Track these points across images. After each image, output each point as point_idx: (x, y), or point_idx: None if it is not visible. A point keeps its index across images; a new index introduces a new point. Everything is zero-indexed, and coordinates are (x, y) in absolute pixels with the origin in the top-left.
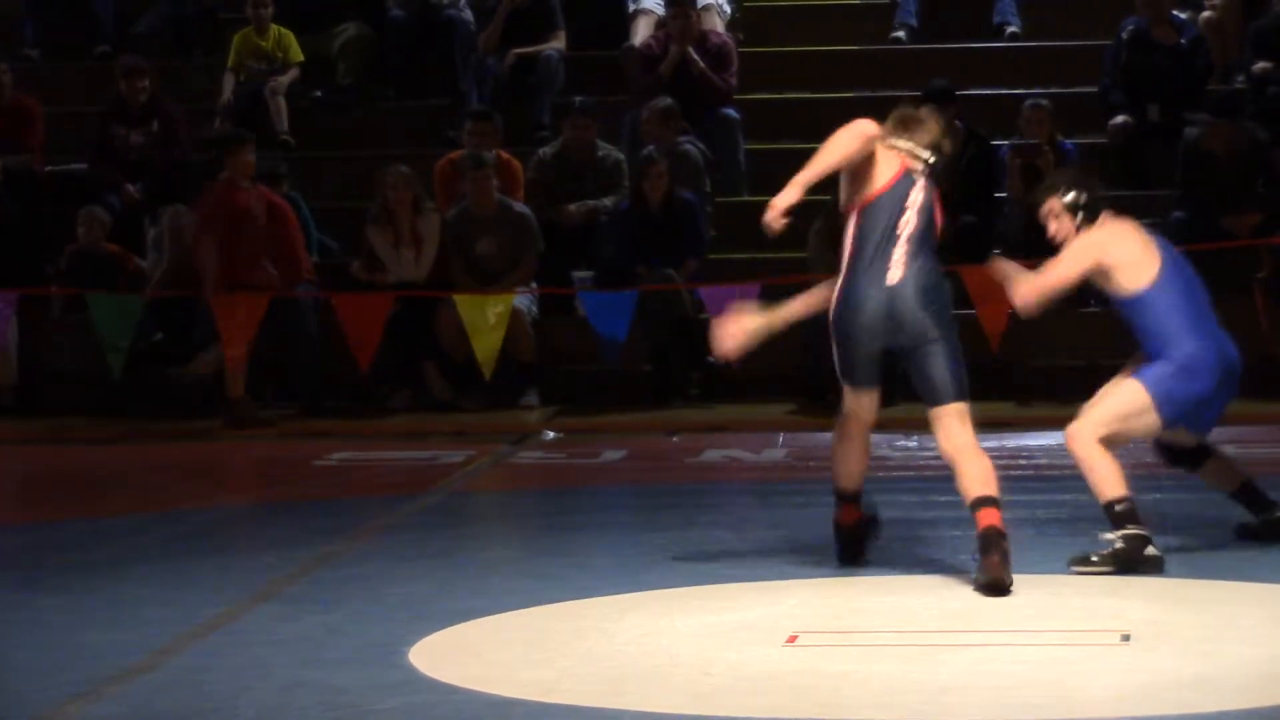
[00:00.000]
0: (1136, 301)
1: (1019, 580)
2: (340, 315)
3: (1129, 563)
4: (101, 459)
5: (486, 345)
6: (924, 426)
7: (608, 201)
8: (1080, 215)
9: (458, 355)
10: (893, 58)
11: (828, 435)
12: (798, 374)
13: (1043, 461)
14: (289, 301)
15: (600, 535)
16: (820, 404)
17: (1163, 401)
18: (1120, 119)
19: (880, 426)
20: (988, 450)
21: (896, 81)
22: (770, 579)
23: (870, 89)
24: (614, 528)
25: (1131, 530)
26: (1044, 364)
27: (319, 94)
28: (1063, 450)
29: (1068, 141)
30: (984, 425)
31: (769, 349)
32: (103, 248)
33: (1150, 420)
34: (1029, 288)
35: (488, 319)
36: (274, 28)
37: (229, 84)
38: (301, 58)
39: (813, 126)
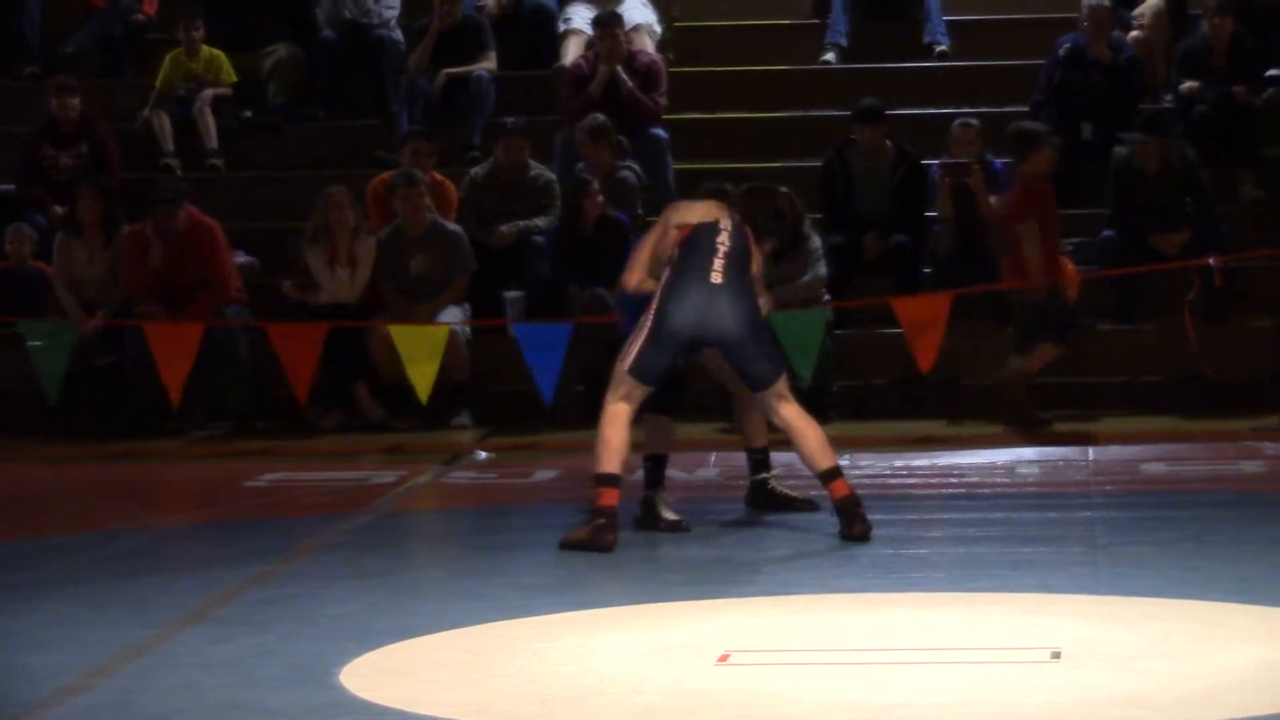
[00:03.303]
0: None
1: (950, 598)
2: (276, 344)
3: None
4: (32, 479)
5: (423, 374)
6: (855, 444)
7: (540, 221)
8: None
9: (390, 376)
10: (823, 78)
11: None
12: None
13: (973, 480)
14: (220, 325)
15: (533, 555)
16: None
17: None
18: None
19: None
20: (919, 469)
21: (827, 101)
22: (702, 598)
23: (801, 108)
24: (546, 548)
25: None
26: (975, 383)
27: (249, 114)
28: (993, 468)
29: (997, 160)
30: (915, 443)
31: (699, 368)
32: (30, 266)
33: None
34: None
35: (423, 349)
36: (205, 48)
37: (154, 103)
38: (234, 78)
39: (743, 146)
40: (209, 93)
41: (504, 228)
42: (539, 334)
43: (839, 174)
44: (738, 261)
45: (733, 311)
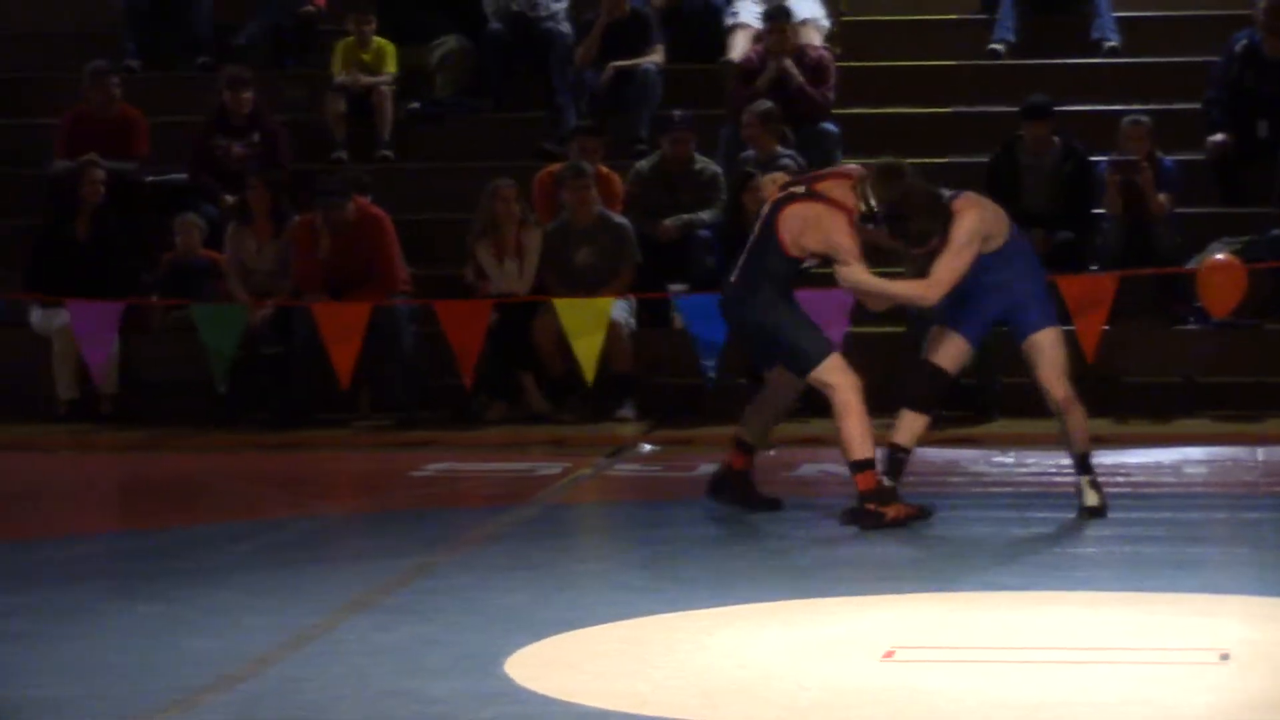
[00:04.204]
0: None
1: (1115, 598)
2: (444, 324)
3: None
4: (199, 468)
5: (587, 348)
6: (1021, 443)
7: (705, 215)
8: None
9: (555, 367)
10: (990, 73)
11: (931, 451)
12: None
13: (1139, 479)
14: (386, 311)
15: (694, 549)
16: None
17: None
18: (1220, 136)
19: (977, 442)
20: None
21: (994, 97)
22: (864, 594)
23: (968, 104)
24: (708, 541)
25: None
26: (1141, 380)
27: (416, 105)
28: (1159, 468)
29: (1167, 158)
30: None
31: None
32: (200, 255)
33: None
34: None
35: (587, 323)
36: (376, 40)
37: (337, 96)
38: (395, 70)
39: (911, 141)
40: (386, 83)
41: (669, 221)
42: (702, 306)
43: (1006, 170)
44: (753, 250)
45: (739, 310)
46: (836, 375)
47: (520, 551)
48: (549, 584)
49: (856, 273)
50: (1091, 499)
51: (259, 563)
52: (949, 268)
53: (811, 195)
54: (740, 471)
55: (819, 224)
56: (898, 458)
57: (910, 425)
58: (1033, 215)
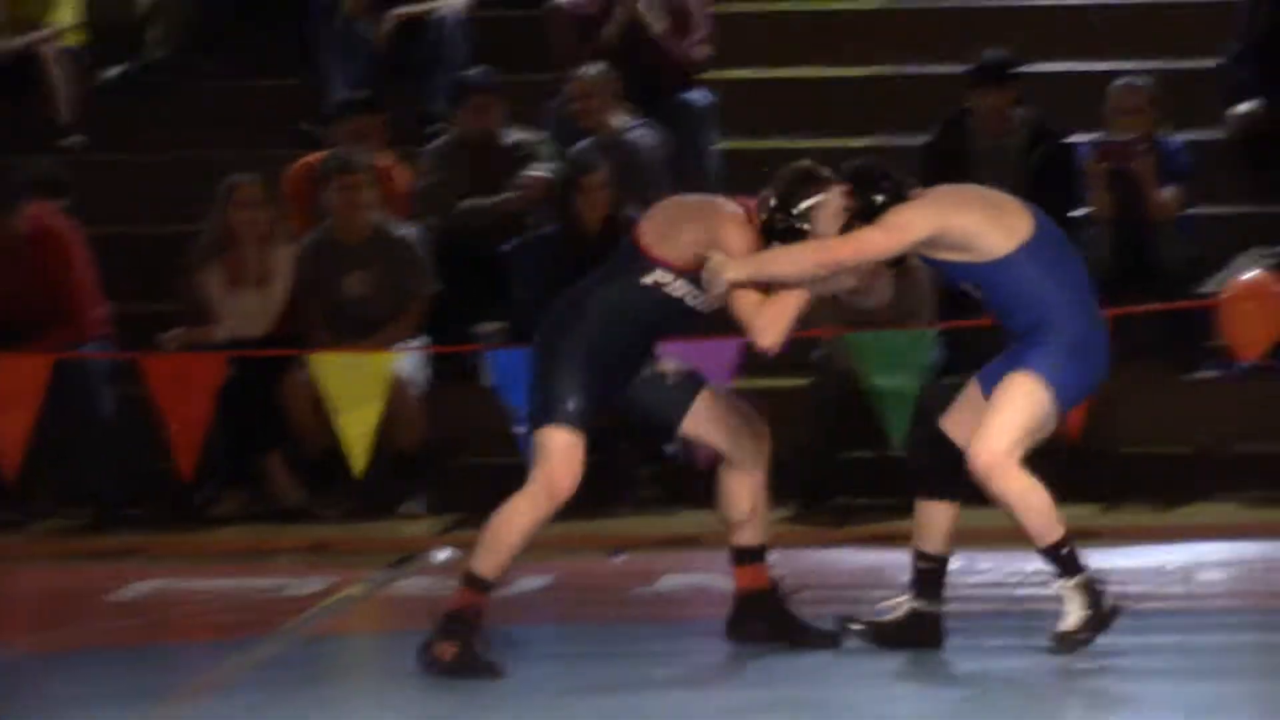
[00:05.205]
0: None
1: None
2: (154, 383)
3: (1104, 616)
4: None
5: (358, 422)
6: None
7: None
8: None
9: (313, 442)
10: (927, 19)
11: (833, 552)
12: (793, 466)
13: (1136, 589)
14: (74, 365)
15: (515, 701)
16: (823, 508)
17: (1060, 393)
18: (1246, 106)
19: (908, 539)
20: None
21: (929, 53)
22: None
23: (897, 64)
24: (534, 688)
25: (1088, 575)
26: (1140, 451)
27: (120, 69)
28: (1162, 573)
29: (1173, 138)
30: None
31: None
32: None
33: (1052, 423)
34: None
35: (359, 383)
36: None
37: None
38: (73, 19)
39: (817, 114)
40: (50, 40)
41: (466, 202)
42: (524, 364)
43: (950, 156)
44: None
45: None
46: (557, 455)
47: (262, 708)
48: None
49: (746, 263)
50: (1076, 616)
51: None
52: (869, 238)
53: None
54: (757, 592)
55: (701, 213)
56: (928, 570)
57: (933, 520)
58: None
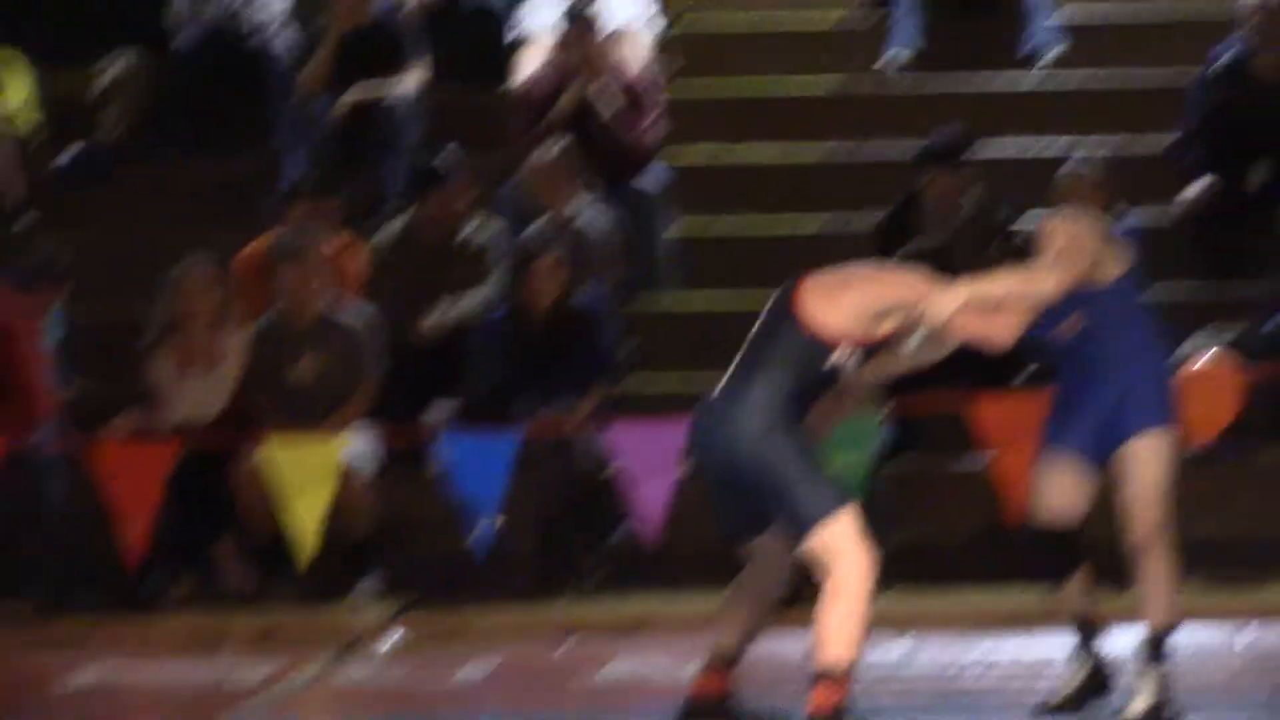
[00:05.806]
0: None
1: None
2: (102, 478)
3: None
4: None
5: (307, 509)
6: (914, 623)
7: (474, 300)
8: None
9: (262, 527)
10: (881, 101)
11: (786, 642)
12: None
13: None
14: (23, 451)
15: None
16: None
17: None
18: (1198, 186)
19: None
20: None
21: (886, 133)
22: None
23: (850, 144)
24: None
25: (1169, 669)
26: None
27: (74, 150)
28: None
29: (1124, 220)
30: (1000, 621)
31: (704, 515)
32: None
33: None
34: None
35: (307, 476)
36: None
37: None
38: (24, 96)
39: (769, 195)
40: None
41: (429, 321)
42: (476, 450)
43: (901, 238)
44: (754, 345)
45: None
46: (846, 543)
47: None
48: None
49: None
50: (1146, 704)
51: None
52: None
53: None
54: (717, 698)
55: (862, 280)
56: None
57: (1070, 594)
58: None
